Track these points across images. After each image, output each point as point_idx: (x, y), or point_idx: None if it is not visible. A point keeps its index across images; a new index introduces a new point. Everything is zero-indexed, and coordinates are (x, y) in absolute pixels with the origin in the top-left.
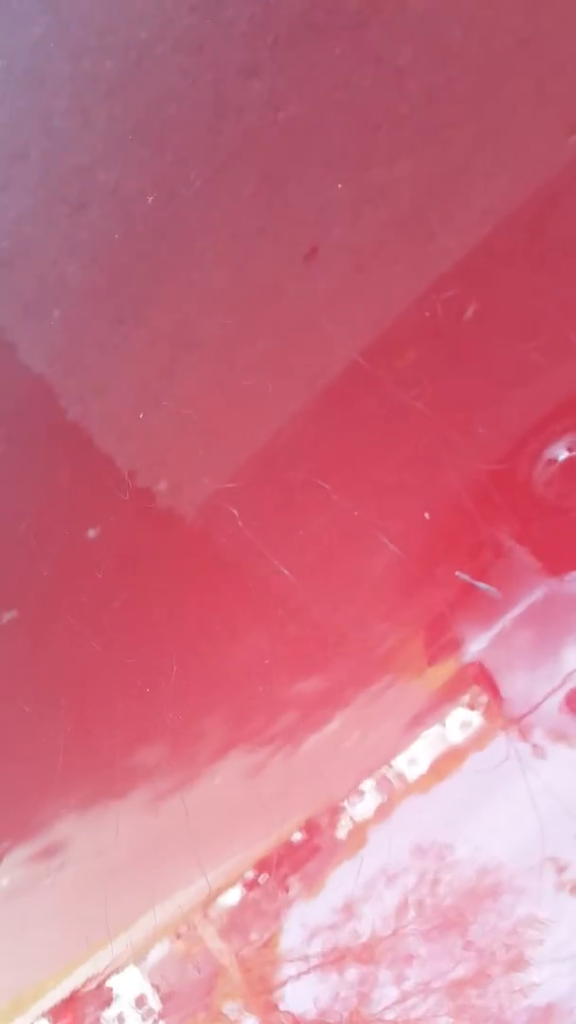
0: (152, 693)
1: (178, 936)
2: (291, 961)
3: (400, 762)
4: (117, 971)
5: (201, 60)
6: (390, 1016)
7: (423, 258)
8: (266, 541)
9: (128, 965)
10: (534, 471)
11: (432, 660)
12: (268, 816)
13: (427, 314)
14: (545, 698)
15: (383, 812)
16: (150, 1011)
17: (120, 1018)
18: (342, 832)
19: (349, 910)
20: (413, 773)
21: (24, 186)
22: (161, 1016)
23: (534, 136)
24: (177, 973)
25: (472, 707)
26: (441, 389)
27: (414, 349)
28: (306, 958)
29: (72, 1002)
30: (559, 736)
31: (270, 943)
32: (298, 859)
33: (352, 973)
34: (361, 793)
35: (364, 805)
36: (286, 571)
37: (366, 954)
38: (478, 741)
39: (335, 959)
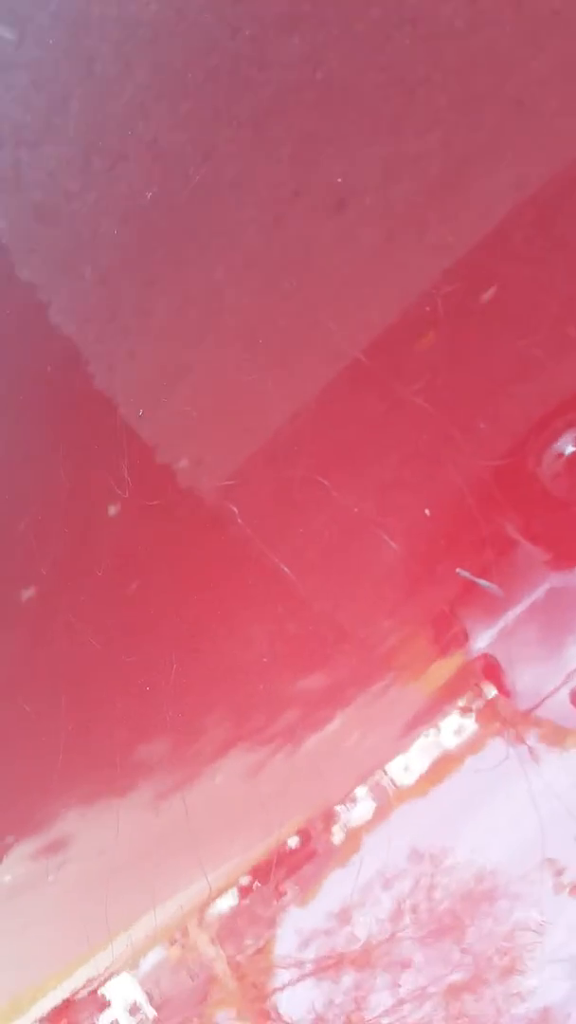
0: (152, 692)
1: (172, 942)
2: (286, 967)
3: (394, 768)
4: (111, 977)
5: (241, 10)
6: (385, 1022)
7: (448, 236)
8: (266, 538)
9: (122, 971)
10: (541, 465)
11: (441, 653)
12: (268, 816)
13: (428, 309)
14: (554, 691)
15: (379, 817)
16: (144, 1018)
17: None
18: (337, 838)
19: (344, 915)
20: (407, 779)
21: (63, 135)
22: (155, 1023)
23: (560, 115)
24: (171, 980)
25: (466, 712)
26: (442, 385)
27: (415, 344)
28: (301, 964)
29: (66, 1008)
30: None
31: (264, 949)
32: (293, 865)
33: (348, 979)
34: (356, 799)
35: (359, 810)
36: (286, 568)
37: (362, 959)
38: (472, 746)
39: (330, 965)
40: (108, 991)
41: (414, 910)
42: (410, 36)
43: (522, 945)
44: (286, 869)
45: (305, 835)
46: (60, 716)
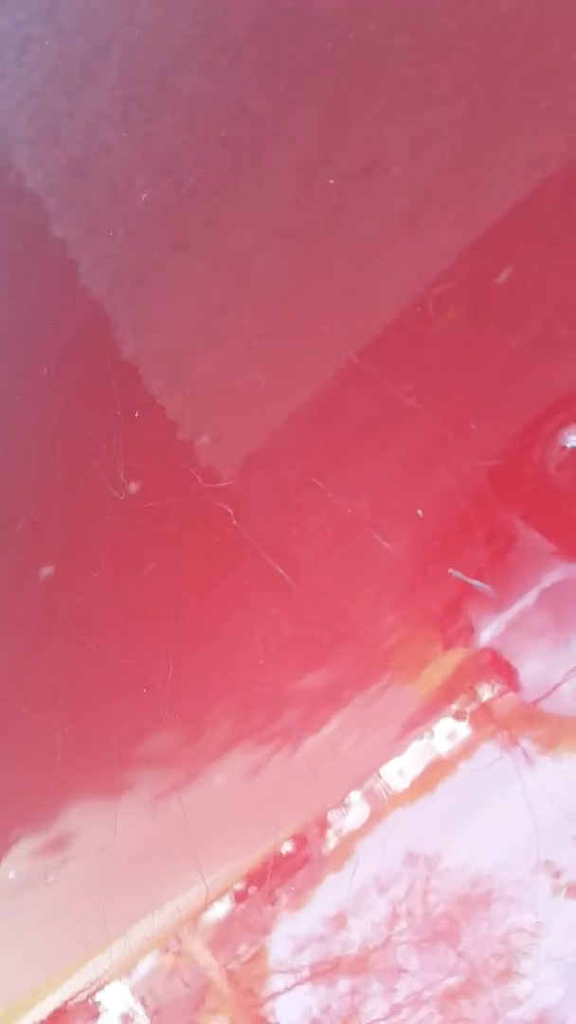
0: (149, 693)
1: (166, 950)
2: (280, 973)
3: (388, 772)
4: (105, 985)
5: None
6: None
7: (471, 213)
8: (261, 540)
9: (116, 979)
10: (547, 456)
11: (445, 647)
12: (266, 819)
13: (419, 310)
14: (560, 682)
15: (372, 822)
16: None
17: None
18: (331, 843)
19: (339, 921)
20: (401, 783)
21: (103, 84)
22: None
23: None
24: (165, 987)
25: (460, 717)
26: (435, 385)
27: (407, 345)
28: (296, 970)
29: (59, 1017)
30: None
31: (258, 956)
32: (287, 870)
33: (343, 984)
34: (349, 804)
35: (353, 816)
36: (281, 570)
37: (357, 965)
38: (465, 751)
39: (325, 971)
40: (102, 999)
41: (409, 915)
42: None
43: (518, 948)
44: (280, 875)
45: (300, 840)
46: (58, 717)
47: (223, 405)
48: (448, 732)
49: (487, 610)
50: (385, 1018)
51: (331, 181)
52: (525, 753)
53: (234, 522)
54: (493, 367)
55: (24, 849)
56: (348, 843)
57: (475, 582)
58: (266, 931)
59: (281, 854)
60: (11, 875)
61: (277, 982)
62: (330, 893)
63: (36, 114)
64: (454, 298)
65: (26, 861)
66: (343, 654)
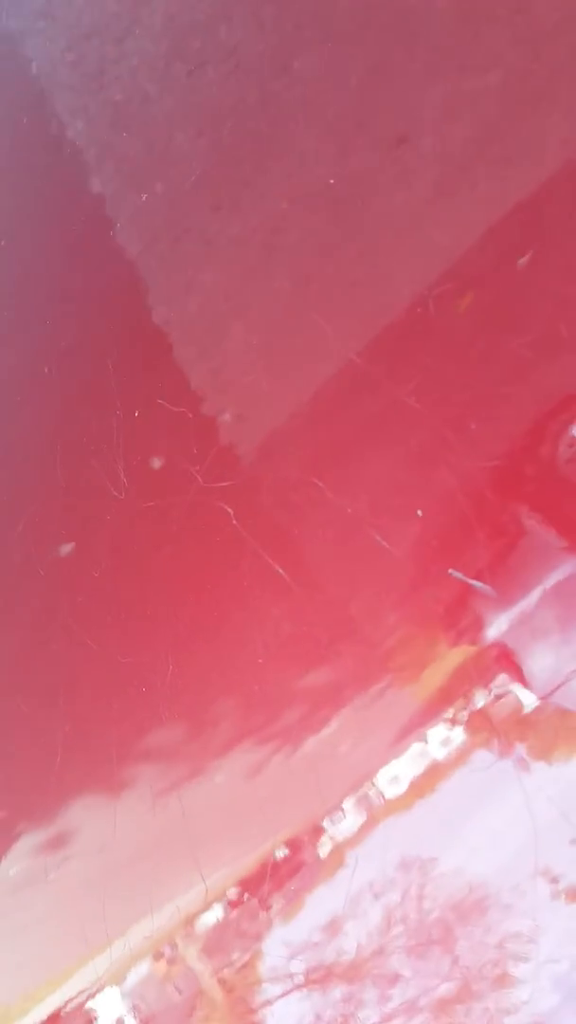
0: (149, 692)
1: (159, 956)
2: (273, 981)
3: (382, 779)
4: (99, 991)
5: None
6: None
7: (497, 192)
8: (260, 540)
9: (109, 985)
10: (557, 451)
11: (453, 643)
12: (265, 819)
13: (419, 310)
14: (569, 677)
15: (367, 828)
16: None
17: None
18: (324, 850)
19: (332, 928)
20: (395, 790)
21: (147, 34)
22: None
23: None
24: (157, 994)
25: (454, 723)
26: (435, 386)
27: (407, 346)
28: (289, 977)
29: (53, 1023)
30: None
31: (251, 963)
32: (281, 877)
33: (337, 992)
34: (344, 811)
35: (347, 822)
36: (281, 570)
37: (351, 972)
38: (460, 757)
39: (319, 978)
40: (95, 1005)
41: (404, 921)
42: None
43: (514, 954)
44: (274, 882)
45: (294, 846)
46: (57, 716)
47: (248, 381)
48: (443, 738)
49: (495, 605)
50: None
51: (364, 147)
52: (521, 759)
53: (234, 522)
54: (493, 367)
55: (25, 846)
56: (342, 849)
57: (475, 582)
58: (260, 937)
59: (276, 860)
60: (12, 872)
61: (271, 989)
62: (324, 899)
63: (81, 59)
64: (473, 281)
65: (27, 858)
66: (343, 654)
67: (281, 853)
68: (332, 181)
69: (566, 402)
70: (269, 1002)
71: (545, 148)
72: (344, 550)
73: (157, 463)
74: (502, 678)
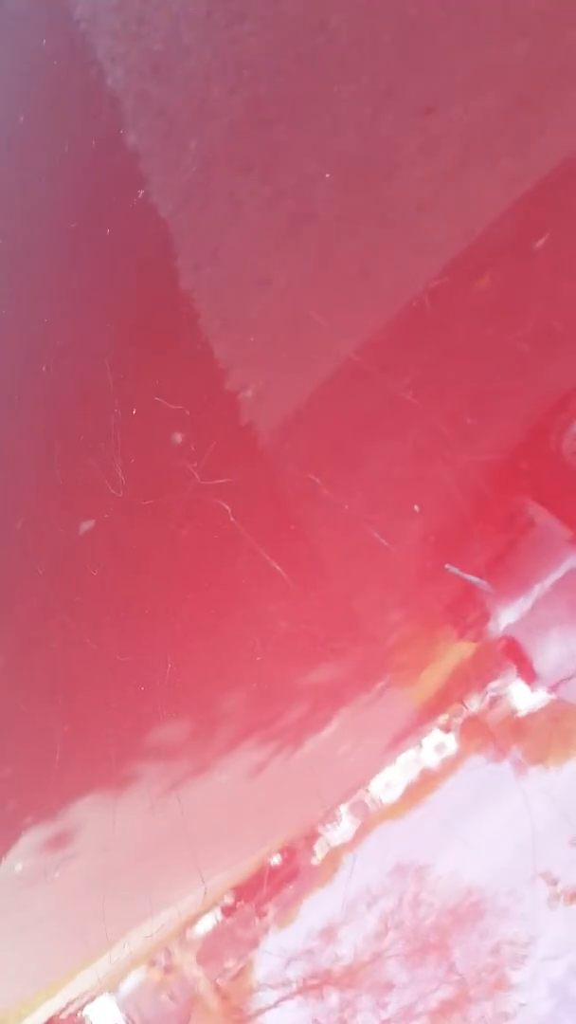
0: (147, 691)
1: (153, 964)
2: (268, 988)
3: (376, 785)
4: (93, 999)
5: None
6: None
7: (520, 168)
8: (258, 536)
9: (103, 993)
10: (563, 442)
11: (460, 636)
12: (265, 821)
13: (415, 304)
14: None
15: (361, 834)
16: None
17: None
18: (319, 856)
19: (328, 935)
20: (390, 796)
21: None
22: None
23: None
24: (151, 1002)
25: (447, 729)
26: (431, 381)
27: (404, 339)
28: (284, 985)
29: None
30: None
31: (245, 971)
32: (275, 884)
33: (333, 999)
34: (338, 817)
35: (341, 828)
36: (278, 567)
37: (346, 979)
38: (454, 762)
39: (314, 985)
40: (89, 1013)
41: (399, 927)
42: None
43: (510, 960)
44: (268, 888)
45: (289, 852)
46: (56, 715)
47: (271, 356)
48: (437, 744)
49: (503, 597)
50: None
51: (393, 115)
52: (516, 763)
53: (232, 519)
54: (489, 362)
55: (28, 845)
56: (337, 855)
57: (472, 578)
58: (255, 944)
59: (271, 866)
60: (18, 868)
61: (266, 996)
62: (319, 906)
63: (123, 4)
64: (492, 262)
65: (31, 856)
66: (342, 651)
67: (276, 859)
68: (361, 148)
69: (569, 396)
70: (265, 1009)
71: (570, 123)
72: (342, 547)
73: (179, 438)
74: (497, 682)
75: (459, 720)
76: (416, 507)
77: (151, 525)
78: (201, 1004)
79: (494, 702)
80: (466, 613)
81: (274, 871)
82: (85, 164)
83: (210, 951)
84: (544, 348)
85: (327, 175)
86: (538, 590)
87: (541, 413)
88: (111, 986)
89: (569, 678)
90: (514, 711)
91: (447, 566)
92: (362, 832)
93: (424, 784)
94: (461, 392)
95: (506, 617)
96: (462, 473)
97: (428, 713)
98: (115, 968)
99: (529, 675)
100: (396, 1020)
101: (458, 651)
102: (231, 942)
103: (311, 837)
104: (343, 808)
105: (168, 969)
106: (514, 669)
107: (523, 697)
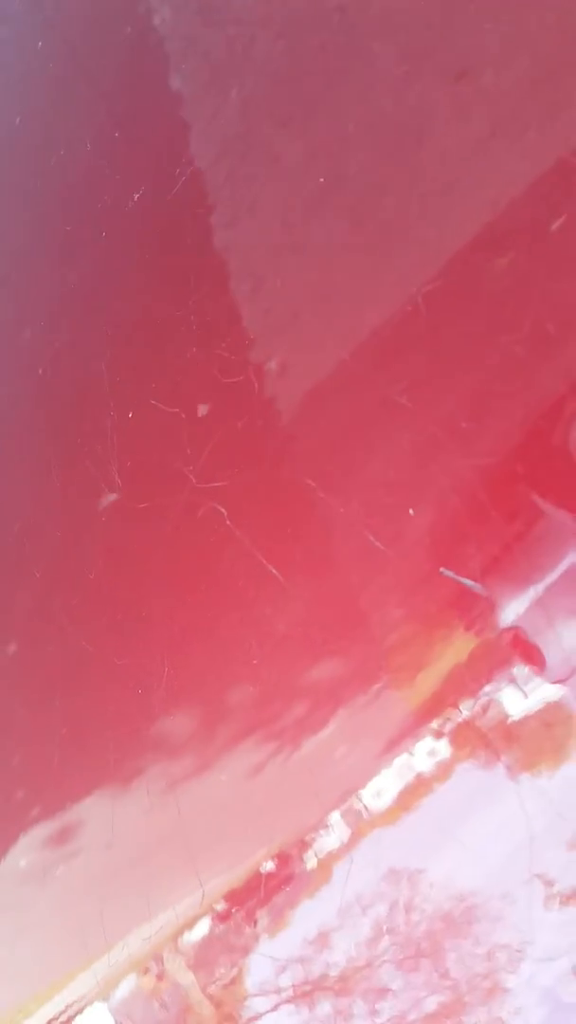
0: (144, 694)
1: (145, 971)
2: (261, 996)
3: (367, 793)
4: (86, 1007)
5: None
6: None
7: (544, 141)
8: (254, 540)
9: (95, 1001)
10: (569, 436)
11: (467, 629)
12: (264, 823)
13: (409, 308)
14: None
15: (355, 839)
16: None
17: None
18: (311, 863)
19: (320, 942)
20: (381, 803)
21: None
22: None
23: None
24: (144, 1010)
25: (439, 735)
26: (426, 384)
27: (398, 344)
28: (277, 992)
29: None
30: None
31: (238, 978)
32: (268, 891)
33: (325, 1005)
34: (330, 824)
35: (333, 835)
36: (274, 569)
37: (339, 986)
38: (446, 769)
39: (307, 992)
40: (81, 1021)
41: (392, 934)
42: None
43: (504, 966)
44: (261, 895)
45: (282, 859)
46: (54, 719)
47: (296, 327)
48: (428, 749)
49: (510, 589)
50: None
51: (427, 78)
52: (508, 768)
53: (228, 522)
54: (483, 365)
55: (29, 843)
56: (330, 862)
57: (466, 581)
58: (247, 952)
59: (265, 872)
60: (21, 864)
61: (259, 1004)
62: (312, 913)
63: None
64: (513, 243)
65: (32, 854)
66: (338, 653)
67: (269, 866)
68: (395, 109)
69: (567, 396)
70: (257, 1017)
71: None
72: (338, 550)
73: (203, 409)
74: (490, 686)
75: (452, 725)
76: (411, 511)
77: (148, 528)
78: (193, 1011)
79: (486, 707)
80: (472, 605)
81: (267, 878)
82: (81, 166)
83: (203, 958)
84: (539, 350)
85: (360, 136)
86: (546, 581)
87: (537, 415)
88: (104, 994)
89: None
90: (506, 716)
91: (442, 570)
92: (355, 838)
93: (417, 789)
94: (457, 395)
95: (513, 609)
96: (458, 476)
97: (423, 716)
98: (110, 973)
99: (538, 666)
100: None
101: (454, 653)
102: (224, 949)
103: (304, 844)
104: (336, 814)
105: (160, 976)
106: (512, 670)
107: (515, 702)
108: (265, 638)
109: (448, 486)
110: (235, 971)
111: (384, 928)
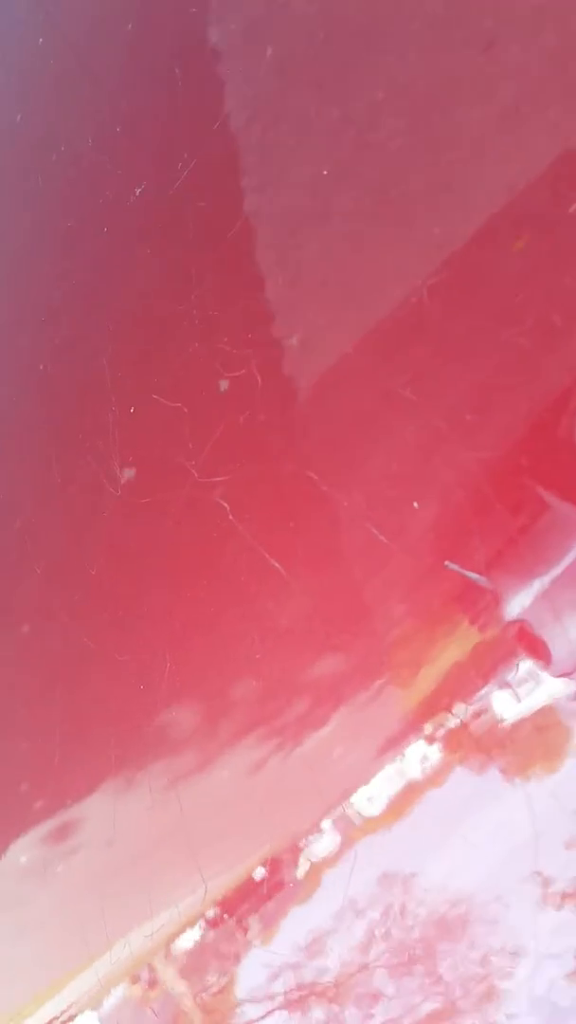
0: (146, 690)
1: (135, 980)
2: (254, 1002)
3: (359, 798)
4: (74, 1016)
5: None
6: None
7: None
8: (256, 534)
9: (86, 1010)
10: (575, 427)
11: (472, 622)
12: (264, 822)
13: (413, 300)
14: None
15: (347, 844)
16: None
17: None
18: (302, 869)
19: (313, 948)
20: (373, 809)
21: None
22: None
23: None
24: (134, 1018)
25: (431, 740)
26: (430, 376)
27: (403, 336)
28: (269, 999)
29: None
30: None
31: (229, 985)
32: (260, 897)
33: (318, 1012)
34: (322, 829)
35: (325, 841)
36: (277, 564)
37: (332, 991)
38: (438, 774)
39: (300, 998)
40: None
41: (386, 939)
42: None
43: (499, 970)
44: (252, 902)
45: (273, 865)
46: (54, 715)
47: (318, 301)
48: (420, 755)
49: (515, 582)
50: None
51: (456, 46)
52: (502, 773)
53: (230, 517)
54: (488, 356)
55: (29, 842)
56: (322, 867)
57: (471, 574)
58: (239, 958)
59: (254, 880)
60: (22, 860)
61: (251, 1010)
62: (305, 918)
63: None
64: (529, 224)
65: (33, 851)
66: (341, 647)
67: (261, 872)
68: (425, 77)
69: (573, 388)
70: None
71: None
72: (341, 544)
73: (224, 385)
74: (484, 689)
75: (444, 731)
76: (415, 504)
77: (149, 523)
78: (185, 1019)
79: (480, 711)
80: (477, 599)
81: (259, 884)
82: (82, 162)
83: (194, 965)
84: (544, 342)
85: (390, 103)
86: (551, 574)
87: (543, 407)
88: (94, 1002)
89: None
90: (499, 720)
91: (446, 563)
92: (347, 842)
93: (409, 793)
94: (461, 387)
95: (519, 602)
96: (462, 469)
97: (421, 716)
98: (112, 971)
99: (544, 660)
100: None
101: (458, 649)
102: (215, 956)
103: (297, 849)
104: (327, 820)
105: (151, 984)
106: (507, 674)
107: (508, 706)
108: (267, 633)
109: (452, 479)
110: (227, 978)
111: (377, 933)
